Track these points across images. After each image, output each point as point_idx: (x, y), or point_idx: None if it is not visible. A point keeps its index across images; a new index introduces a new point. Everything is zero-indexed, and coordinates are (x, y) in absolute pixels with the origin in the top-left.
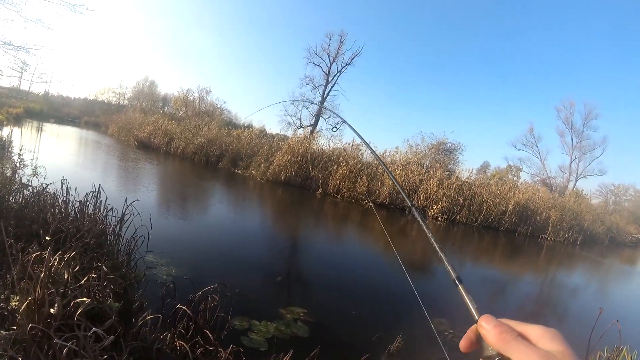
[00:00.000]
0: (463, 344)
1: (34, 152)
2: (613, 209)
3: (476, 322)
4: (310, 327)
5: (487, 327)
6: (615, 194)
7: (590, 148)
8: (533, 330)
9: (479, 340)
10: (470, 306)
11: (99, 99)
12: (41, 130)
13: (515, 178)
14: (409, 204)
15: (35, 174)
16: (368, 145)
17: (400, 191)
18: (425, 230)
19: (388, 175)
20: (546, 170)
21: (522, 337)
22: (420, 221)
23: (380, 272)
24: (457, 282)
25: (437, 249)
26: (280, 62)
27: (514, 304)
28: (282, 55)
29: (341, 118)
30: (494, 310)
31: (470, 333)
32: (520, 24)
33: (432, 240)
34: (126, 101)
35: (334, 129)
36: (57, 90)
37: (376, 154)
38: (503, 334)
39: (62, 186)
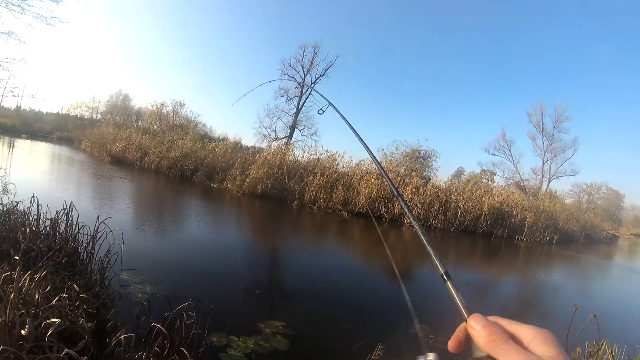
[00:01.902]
0: (451, 344)
1: (4, 169)
2: (587, 207)
3: (465, 321)
4: (289, 340)
5: (477, 328)
6: (589, 192)
7: (561, 150)
8: (525, 332)
9: (468, 340)
10: (459, 304)
11: (72, 114)
12: (12, 146)
13: (489, 182)
14: (396, 192)
15: (5, 191)
16: (356, 133)
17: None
18: (413, 221)
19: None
20: (519, 173)
21: (513, 338)
22: (407, 210)
23: (359, 281)
24: (445, 278)
25: (425, 242)
26: (256, 74)
27: (494, 305)
28: (257, 67)
29: (328, 100)
30: (475, 311)
31: (459, 332)
32: (490, 32)
33: (420, 233)
34: (99, 115)
35: (320, 112)
36: (29, 105)
37: (365, 144)
38: (493, 335)
39: (32, 204)
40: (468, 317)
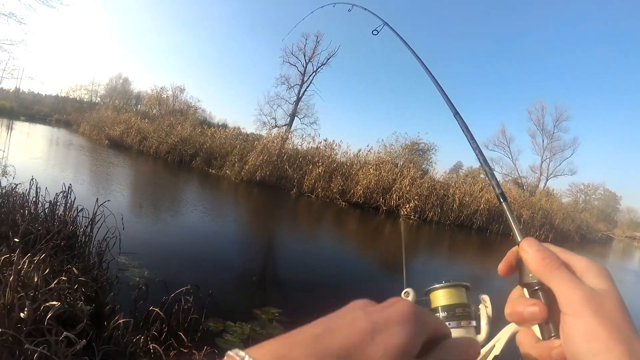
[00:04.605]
0: (502, 267)
1: (3, 151)
2: (583, 208)
3: (518, 244)
4: (285, 327)
5: (530, 251)
6: (585, 192)
7: (560, 149)
8: (578, 262)
9: (519, 264)
10: (514, 226)
11: (71, 96)
12: (11, 129)
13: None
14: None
15: (4, 173)
16: (419, 58)
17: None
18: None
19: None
20: (517, 170)
21: (566, 267)
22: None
23: (355, 270)
24: (501, 200)
25: (481, 162)
26: (257, 61)
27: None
28: (258, 54)
29: (382, 20)
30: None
31: (510, 256)
32: (493, 27)
33: (476, 153)
34: (98, 99)
35: (375, 32)
36: (28, 87)
37: (445, 94)
38: (546, 260)
39: (31, 186)
40: (521, 240)
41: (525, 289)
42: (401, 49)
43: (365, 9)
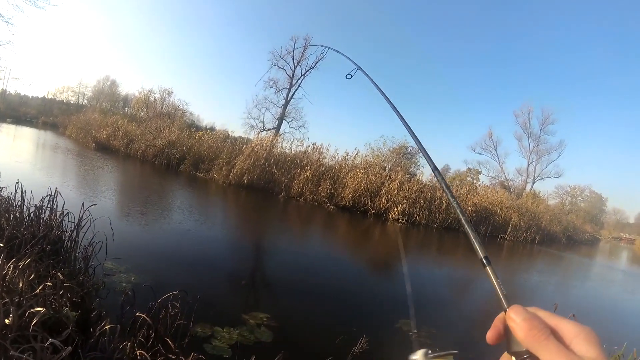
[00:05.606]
0: (490, 335)
1: None
2: (569, 209)
3: (505, 311)
4: (273, 332)
5: (517, 320)
6: (572, 194)
7: (547, 152)
8: (567, 328)
9: (507, 332)
10: (499, 292)
11: (58, 98)
12: None
13: (474, 181)
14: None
15: None
16: (391, 104)
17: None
18: (451, 199)
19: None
20: (504, 173)
21: (554, 333)
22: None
23: (343, 275)
24: (484, 264)
25: (464, 223)
26: (246, 64)
27: (476, 302)
28: (247, 56)
29: (356, 64)
30: (459, 312)
31: (497, 323)
32: (481, 30)
33: (459, 212)
34: (86, 101)
35: (348, 77)
36: (14, 89)
37: (402, 118)
38: (533, 330)
39: (16, 190)
40: (508, 307)
41: (514, 358)
42: (391, 51)
43: (338, 51)
